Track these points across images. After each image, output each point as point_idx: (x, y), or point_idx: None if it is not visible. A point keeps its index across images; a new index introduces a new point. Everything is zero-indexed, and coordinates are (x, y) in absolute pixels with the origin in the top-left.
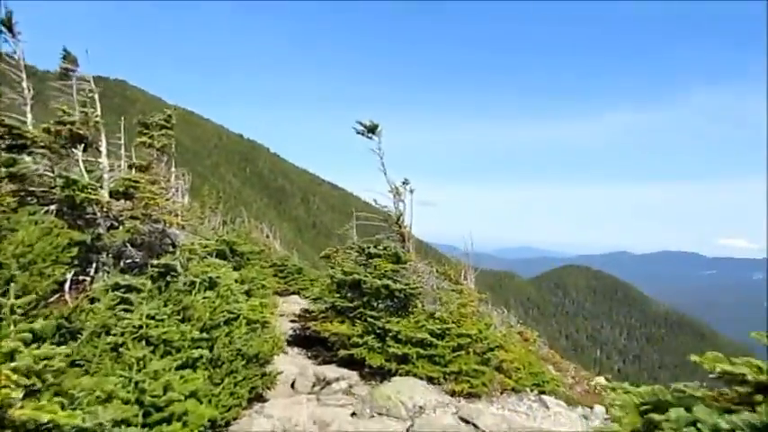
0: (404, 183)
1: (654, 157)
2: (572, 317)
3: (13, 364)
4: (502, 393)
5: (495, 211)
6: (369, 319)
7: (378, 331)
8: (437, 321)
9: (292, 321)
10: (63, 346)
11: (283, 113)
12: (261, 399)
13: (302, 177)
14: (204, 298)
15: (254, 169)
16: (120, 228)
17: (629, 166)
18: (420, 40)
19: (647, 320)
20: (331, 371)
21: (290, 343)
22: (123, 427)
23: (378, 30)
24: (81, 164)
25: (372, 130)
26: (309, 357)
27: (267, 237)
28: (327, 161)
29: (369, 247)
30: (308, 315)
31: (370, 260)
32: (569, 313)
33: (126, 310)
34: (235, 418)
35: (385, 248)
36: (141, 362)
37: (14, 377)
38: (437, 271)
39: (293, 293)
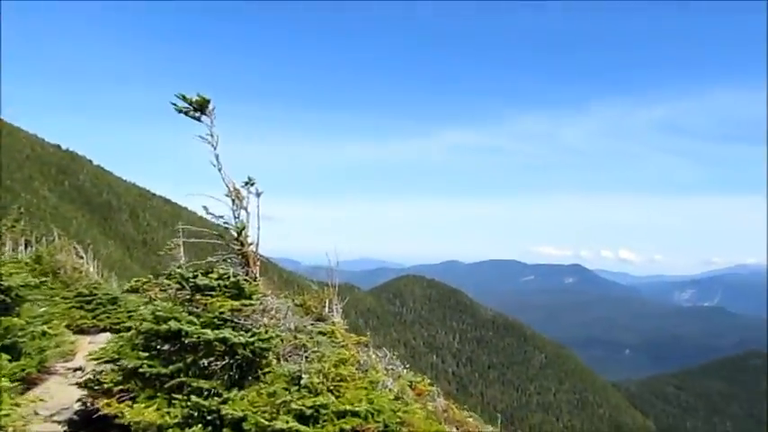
0: (247, 183)
1: (479, 175)
2: (410, 325)
3: None
4: None
5: (333, 224)
6: (194, 396)
7: (209, 417)
8: (305, 393)
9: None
10: None
11: (107, 122)
12: None
13: (130, 191)
14: None
15: (73, 183)
16: None
17: (459, 182)
18: (261, 47)
19: (477, 325)
20: None
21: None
22: None
23: (201, 38)
24: None
25: (201, 107)
26: None
27: (81, 258)
28: (159, 174)
29: (195, 276)
30: (96, 387)
31: (198, 296)
32: (407, 321)
33: None
34: None
35: (220, 277)
36: None
37: None
38: (295, 304)
39: (104, 330)
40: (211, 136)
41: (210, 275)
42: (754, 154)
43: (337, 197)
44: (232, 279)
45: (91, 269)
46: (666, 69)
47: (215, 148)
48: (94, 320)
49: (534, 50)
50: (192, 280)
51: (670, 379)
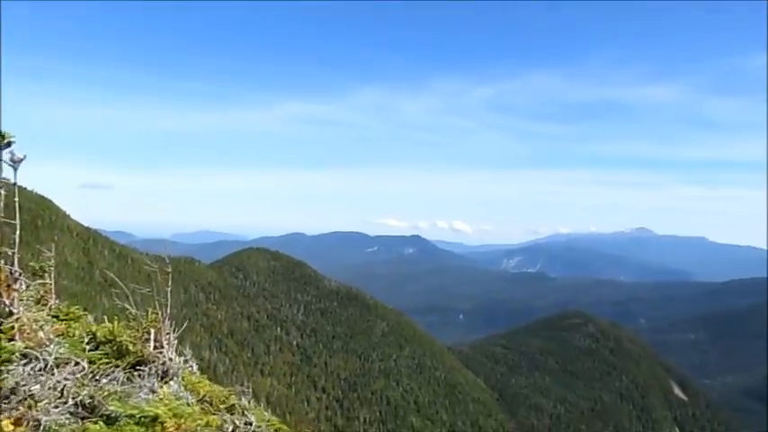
0: None
1: (321, 146)
2: (253, 298)
3: None
4: None
5: (171, 196)
6: None
7: None
8: None
9: None
10: None
11: None
12: None
13: None
14: None
15: None
16: None
17: (302, 154)
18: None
19: (321, 296)
20: None
21: None
22: None
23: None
24: None
25: None
26: None
27: None
28: None
29: None
30: None
31: None
32: (250, 295)
33: None
34: None
35: None
36: None
37: None
38: (96, 340)
39: None
40: None
41: None
42: (567, 132)
43: (177, 167)
44: None
45: None
46: (495, 52)
47: None
48: None
49: (377, 24)
50: None
51: (498, 340)
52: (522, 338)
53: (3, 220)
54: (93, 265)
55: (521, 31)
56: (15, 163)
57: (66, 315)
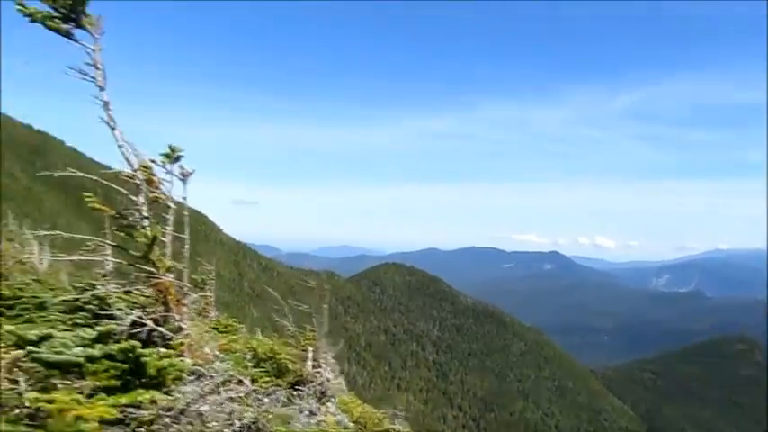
0: (168, 157)
1: (458, 161)
2: (389, 312)
3: None
4: None
5: (314, 211)
6: None
7: None
8: None
9: None
10: None
11: (80, 104)
12: None
13: (105, 174)
14: None
15: (45, 164)
16: None
17: (438, 169)
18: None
19: (456, 312)
20: None
21: None
22: None
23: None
24: None
25: (73, 9)
26: None
27: (31, 245)
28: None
29: (45, 338)
30: None
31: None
32: (387, 309)
33: None
34: None
35: (102, 338)
36: None
37: None
38: (257, 356)
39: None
40: (96, 67)
41: (81, 334)
42: (723, 139)
43: (319, 184)
44: (123, 345)
45: (39, 260)
46: (634, 58)
47: (102, 87)
48: (15, 328)
49: (505, 38)
50: (38, 350)
51: (647, 364)
52: (674, 364)
53: (173, 234)
54: (243, 277)
55: (663, 35)
56: (185, 177)
57: (225, 327)
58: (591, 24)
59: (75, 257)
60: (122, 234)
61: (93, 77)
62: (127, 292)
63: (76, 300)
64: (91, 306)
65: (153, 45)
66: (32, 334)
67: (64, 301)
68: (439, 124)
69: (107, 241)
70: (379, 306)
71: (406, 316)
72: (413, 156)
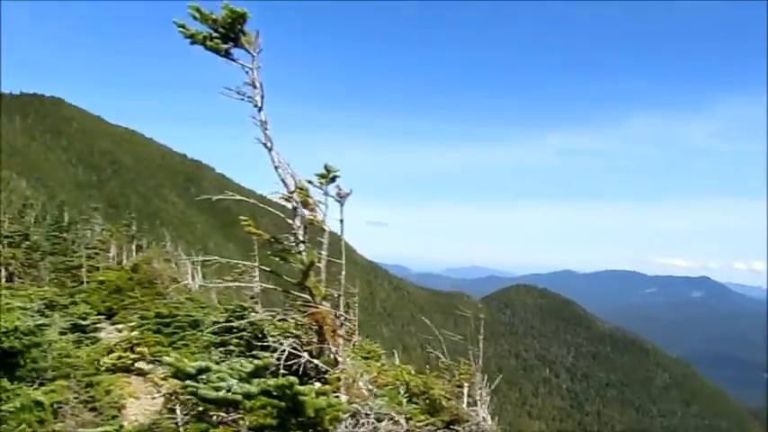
0: (323, 177)
1: (594, 179)
2: (521, 336)
3: None
4: None
5: (444, 230)
6: None
7: None
8: None
9: None
10: None
11: (230, 132)
12: None
13: (250, 198)
14: None
15: (198, 190)
16: None
17: (572, 188)
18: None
19: (593, 338)
20: None
21: None
22: None
23: (314, 51)
24: None
25: (232, 29)
26: None
27: (185, 265)
28: (275, 181)
29: (203, 370)
30: None
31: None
32: (518, 332)
33: None
34: None
35: (257, 373)
36: None
37: None
38: (412, 391)
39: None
40: (254, 86)
41: (238, 366)
42: None
43: (447, 203)
44: (280, 382)
45: (190, 280)
46: None
47: (260, 107)
48: (170, 348)
49: (645, 49)
50: (198, 386)
51: None
52: None
53: (327, 258)
54: (375, 296)
55: None
56: (342, 198)
57: (368, 353)
58: (746, 28)
59: (231, 283)
60: (277, 259)
61: (250, 97)
62: (282, 320)
63: (229, 321)
64: (245, 333)
65: (279, 71)
66: (191, 367)
67: (215, 322)
68: (573, 141)
69: (259, 265)
70: (510, 329)
71: (538, 340)
72: (544, 174)
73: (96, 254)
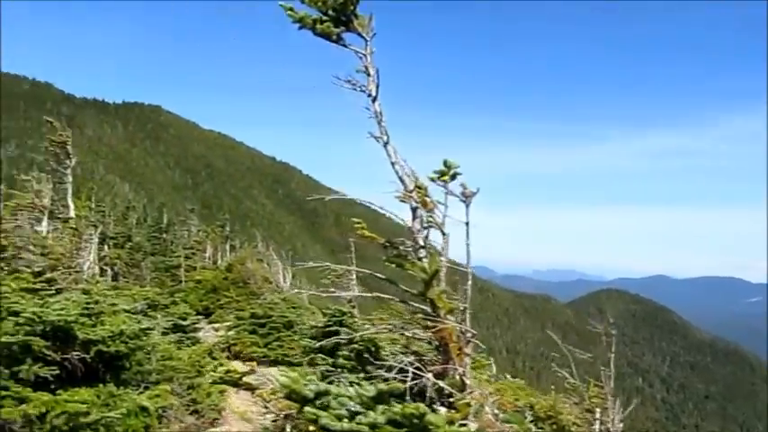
0: (442, 175)
1: (692, 181)
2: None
3: None
4: None
5: (531, 232)
6: None
7: None
8: None
9: None
10: None
11: (316, 135)
12: None
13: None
14: None
15: (286, 191)
16: None
17: (666, 189)
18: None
19: (690, 348)
20: None
21: None
22: None
23: (398, 47)
24: None
25: (343, 11)
26: None
27: (276, 266)
28: (361, 182)
29: (323, 393)
30: None
31: None
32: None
33: None
34: None
35: (381, 398)
36: None
37: None
38: (532, 413)
39: (275, 362)
40: (367, 73)
41: (359, 390)
42: None
43: (533, 205)
44: (409, 410)
45: (282, 280)
46: None
47: (374, 96)
48: (265, 349)
49: (745, 46)
50: (320, 414)
51: None
52: None
53: (448, 265)
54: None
55: None
56: (467, 197)
57: (473, 363)
58: None
59: (346, 293)
60: (393, 265)
61: (363, 87)
62: (399, 333)
63: (328, 327)
64: (356, 346)
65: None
66: (309, 390)
67: (314, 327)
68: (667, 141)
69: (372, 272)
70: (600, 335)
71: (630, 348)
72: (636, 176)
73: (193, 254)
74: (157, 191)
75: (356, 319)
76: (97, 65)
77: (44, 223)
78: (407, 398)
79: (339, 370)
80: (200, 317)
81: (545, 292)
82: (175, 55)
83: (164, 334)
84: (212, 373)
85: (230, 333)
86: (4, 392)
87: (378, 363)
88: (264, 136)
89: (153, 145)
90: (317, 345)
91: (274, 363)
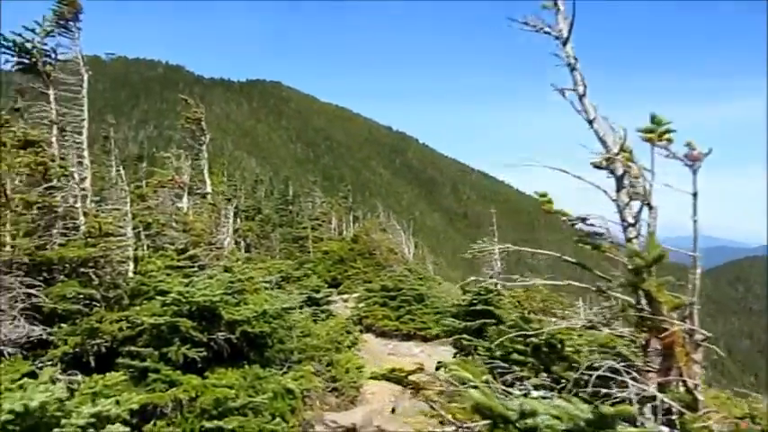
0: (651, 133)
1: None
2: (756, 314)
3: None
4: None
5: (668, 195)
6: None
7: None
8: None
9: None
10: None
11: (433, 104)
12: None
13: (452, 167)
14: None
15: (403, 161)
16: None
17: None
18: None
19: None
20: None
21: None
22: None
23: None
24: None
25: None
26: None
27: (399, 237)
28: (476, 149)
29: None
30: None
31: None
32: (752, 310)
33: None
34: None
35: None
36: None
37: None
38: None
39: (408, 336)
40: (557, 7)
41: (577, 409)
42: None
43: (672, 166)
44: None
45: (407, 250)
46: None
47: (565, 38)
48: (397, 323)
49: None
50: None
51: None
52: None
53: (674, 249)
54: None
55: None
56: (694, 161)
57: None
58: None
59: (552, 281)
60: (585, 246)
61: (548, 29)
62: (589, 328)
63: (472, 305)
64: (537, 341)
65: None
66: (512, 410)
67: (457, 304)
68: None
69: (565, 257)
70: (743, 306)
71: None
72: None
73: (320, 225)
74: (281, 164)
75: (503, 298)
76: (222, 46)
77: (184, 199)
78: (640, 422)
79: (513, 367)
80: (331, 289)
81: (679, 261)
82: (292, 29)
83: (299, 308)
84: (373, 370)
85: (360, 305)
86: (154, 375)
87: (564, 363)
88: (380, 107)
89: (275, 120)
90: (462, 325)
91: (407, 337)
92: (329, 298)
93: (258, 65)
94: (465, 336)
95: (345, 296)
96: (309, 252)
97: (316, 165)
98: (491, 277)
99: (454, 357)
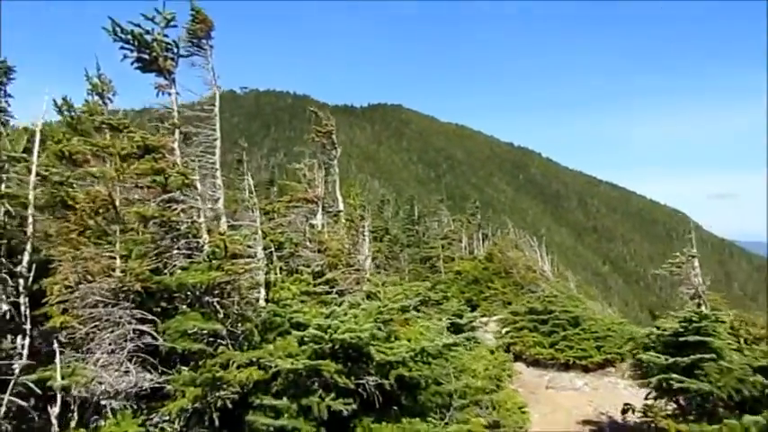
0: None
1: None
2: None
3: None
4: None
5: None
6: None
7: None
8: None
9: None
10: None
11: (554, 116)
12: None
13: (577, 179)
14: None
15: (526, 176)
16: None
17: None
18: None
19: None
20: None
21: None
22: None
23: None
24: None
25: None
26: None
27: (534, 253)
28: (602, 161)
29: None
30: None
31: None
32: None
33: None
34: None
35: None
36: None
37: None
38: None
39: (565, 366)
40: None
41: None
42: None
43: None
44: None
45: (545, 267)
46: None
47: None
48: (552, 350)
49: None
50: None
51: None
52: None
53: None
54: (731, 278)
55: None
56: None
57: None
58: None
59: None
60: None
61: None
62: None
63: (679, 334)
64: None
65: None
66: None
67: (656, 333)
68: None
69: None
70: None
71: None
72: None
73: (449, 244)
74: (404, 185)
75: (718, 326)
76: (343, 73)
77: (318, 216)
78: None
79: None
80: (474, 313)
81: None
82: (409, 53)
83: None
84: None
85: (505, 330)
86: None
87: None
88: (500, 123)
89: (397, 142)
90: (669, 361)
91: (564, 366)
92: (473, 323)
93: (379, 89)
94: (674, 375)
95: (485, 319)
96: (440, 272)
97: (438, 184)
98: (692, 298)
99: (655, 400)
